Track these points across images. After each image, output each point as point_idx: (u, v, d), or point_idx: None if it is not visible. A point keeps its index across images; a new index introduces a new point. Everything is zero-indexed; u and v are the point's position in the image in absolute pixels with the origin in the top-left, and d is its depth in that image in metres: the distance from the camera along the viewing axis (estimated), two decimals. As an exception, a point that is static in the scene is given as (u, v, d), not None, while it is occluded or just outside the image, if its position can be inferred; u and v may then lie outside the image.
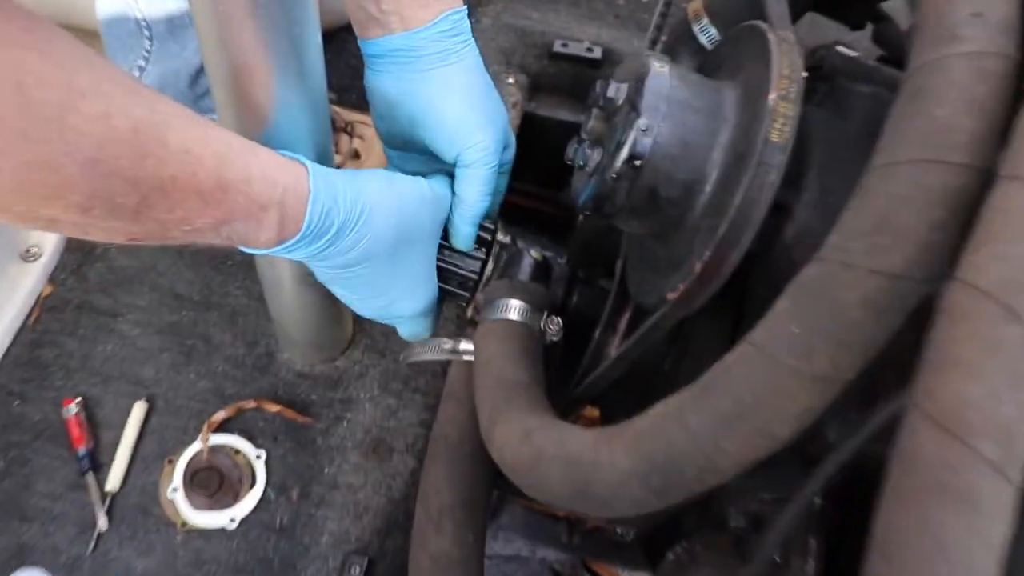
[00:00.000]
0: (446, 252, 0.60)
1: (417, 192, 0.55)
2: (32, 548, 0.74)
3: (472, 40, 0.58)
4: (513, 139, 0.62)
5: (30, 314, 0.86)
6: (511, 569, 1.07)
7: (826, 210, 0.43)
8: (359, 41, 0.58)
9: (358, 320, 0.85)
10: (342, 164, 0.88)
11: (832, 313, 0.32)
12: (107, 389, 0.82)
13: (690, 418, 0.36)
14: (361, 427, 0.81)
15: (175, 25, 0.80)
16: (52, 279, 0.89)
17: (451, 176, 0.59)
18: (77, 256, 0.90)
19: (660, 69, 0.46)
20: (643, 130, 0.44)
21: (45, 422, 0.80)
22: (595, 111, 0.50)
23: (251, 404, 0.81)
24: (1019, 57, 0.34)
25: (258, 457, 0.78)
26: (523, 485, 0.44)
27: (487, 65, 0.60)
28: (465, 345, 0.59)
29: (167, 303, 0.87)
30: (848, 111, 0.47)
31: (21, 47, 0.34)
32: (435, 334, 0.63)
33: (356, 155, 0.89)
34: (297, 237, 0.48)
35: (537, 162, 0.88)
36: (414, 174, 0.57)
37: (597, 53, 0.97)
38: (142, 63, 0.81)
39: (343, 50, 0.98)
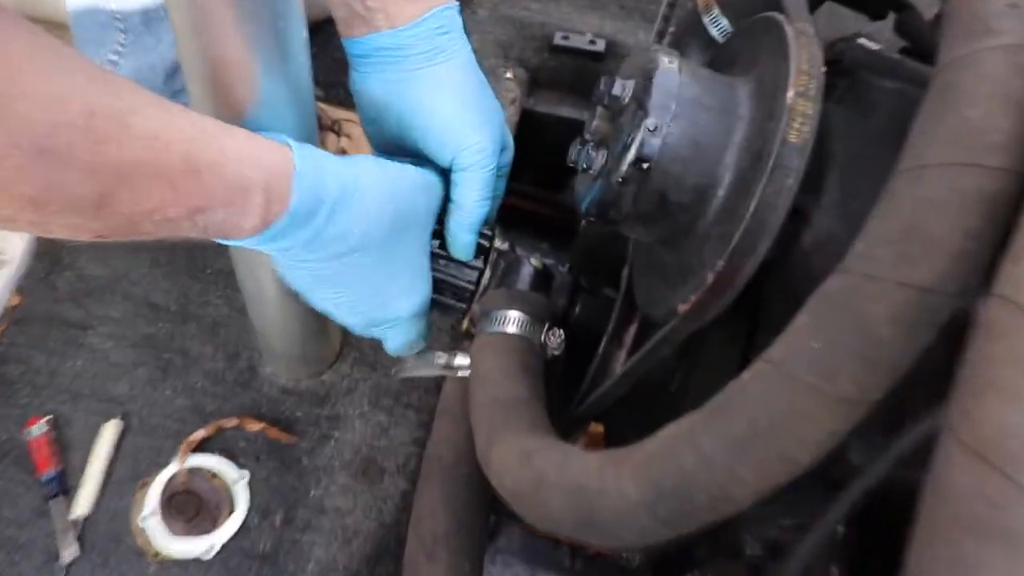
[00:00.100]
0: (440, 261, 0.59)
1: (409, 176, 0.55)
2: (-5, 578, 0.73)
3: (464, 37, 0.58)
4: (511, 140, 0.62)
5: (-5, 326, 0.86)
6: (510, 596, 1.06)
7: (848, 215, 0.42)
8: (343, 40, 0.58)
9: (346, 332, 0.85)
10: (329, 165, 0.87)
11: (857, 329, 0.32)
12: (77, 407, 0.81)
13: (703, 442, 0.35)
14: (350, 446, 0.80)
15: (150, 18, 0.80)
16: (20, 289, 0.88)
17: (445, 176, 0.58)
18: (45, 263, 0.89)
19: (669, 65, 0.46)
20: (651, 130, 0.44)
21: (11, 443, 0.79)
22: (599, 110, 0.50)
23: (232, 422, 0.80)
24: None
25: (239, 479, 0.77)
26: (522, 511, 0.44)
27: (483, 59, 0.60)
28: (460, 360, 0.58)
29: (142, 314, 0.86)
30: (871, 109, 0.47)
31: None
32: (429, 347, 0.62)
33: (344, 155, 0.89)
34: (285, 219, 0.47)
35: (537, 162, 0.88)
36: None
37: (600, 46, 0.96)
38: (114, 57, 0.81)
39: (329, 43, 0.97)
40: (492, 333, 0.55)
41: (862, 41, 0.49)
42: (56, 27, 0.78)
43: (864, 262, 0.33)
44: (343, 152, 0.89)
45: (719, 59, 0.54)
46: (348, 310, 0.57)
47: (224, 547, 0.75)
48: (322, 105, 0.89)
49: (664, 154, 0.44)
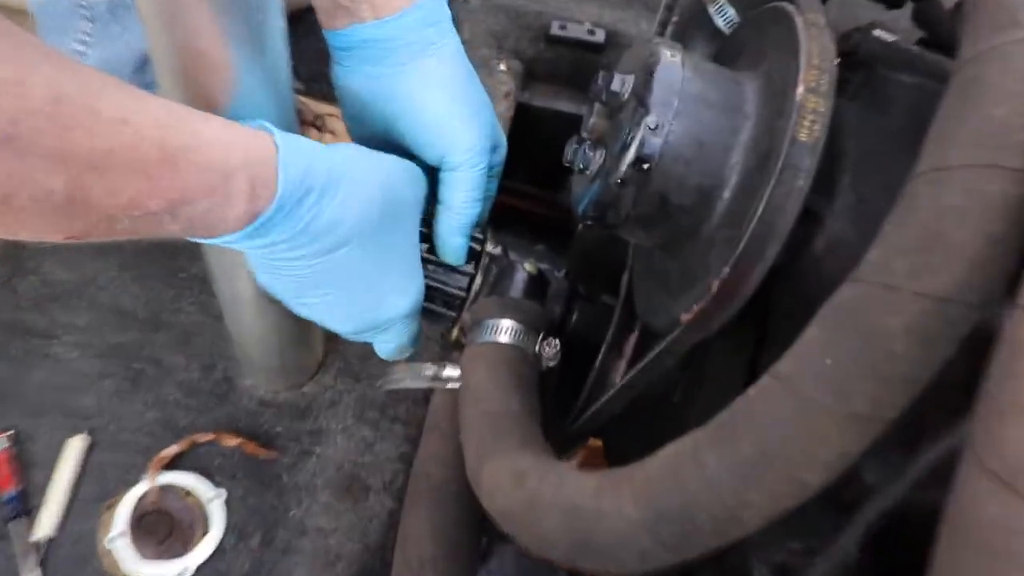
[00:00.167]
0: (429, 266, 0.59)
1: (395, 165, 0.54)
2: (-48, 605, 0.73)
3: (452, 29, 0.58)
4: (503, 138, 0.62)
5: (-47, 335, 0.85)
6: (503, 621, 1.06)
7: (862, 219, 0.42)
8: (324, 32, 0.58)
9: (329, 340, 0.85)
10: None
11: (871, 342, 0.31)
12: (40, 422, 0.81)
13: (708, 461, 0.35)
14: (333, 462, 0.80)
15: (117, 5, 0.80)
16: (-21, 295, 0.88)
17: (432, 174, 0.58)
18: (7, 267, 0.89)
19: (671, 58, 0.46)
20: (652, 129, 0.44)
21: (-31, 459, 0.78)
22: (597, 106, 0.50)
23: (207, 437, 0.80)
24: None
25: (215, 497, 0.77)
26: (515, 534, 0.44)
27: (475, 50, 0.59)
28: (450, 371, 0.58)
29: (110, 322, 0.86)
30: (887, 105, 0.47)
31: None
32: (417, 357, 0.62)
33: (326, 149, 0.89)
34: (273, 207, 0.46)
35: (532, 158, 0.88)
36: None
37: (599, 36, 0.97)
38: (80, 47, 0.81)
39: (310, 33, 0.97)
40: (483, 343, 0.55)
41: (878, 32, 0.49)
42: (16, 14, 0.78)
43: (879, 271, 0.32)
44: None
45: (725, 52, 0.54)
46: (340, 313, 0.56)
47: (198, 570, 0.74)
48: (304, 99, 0.89)
49: (666, 154, 0.44)
